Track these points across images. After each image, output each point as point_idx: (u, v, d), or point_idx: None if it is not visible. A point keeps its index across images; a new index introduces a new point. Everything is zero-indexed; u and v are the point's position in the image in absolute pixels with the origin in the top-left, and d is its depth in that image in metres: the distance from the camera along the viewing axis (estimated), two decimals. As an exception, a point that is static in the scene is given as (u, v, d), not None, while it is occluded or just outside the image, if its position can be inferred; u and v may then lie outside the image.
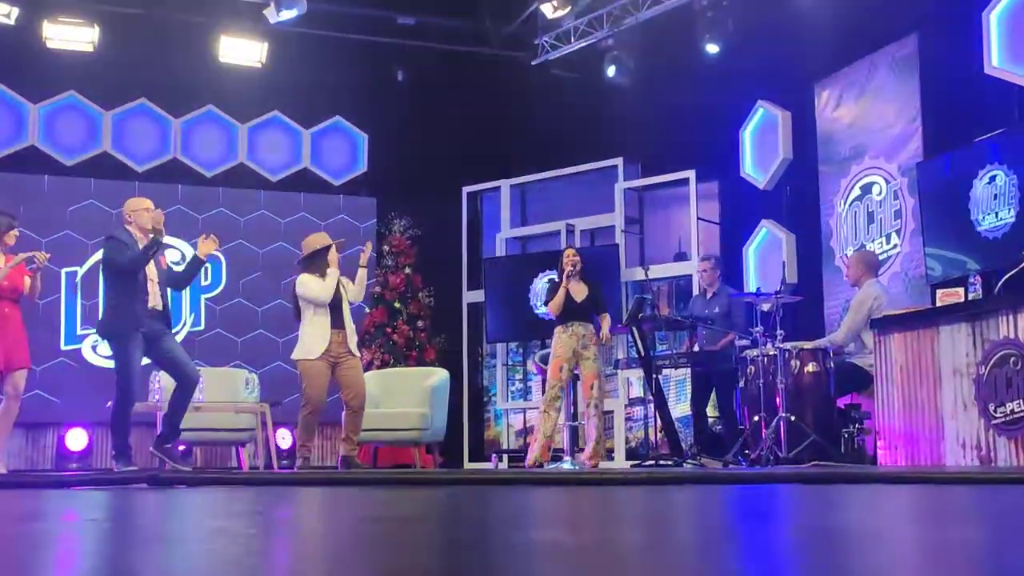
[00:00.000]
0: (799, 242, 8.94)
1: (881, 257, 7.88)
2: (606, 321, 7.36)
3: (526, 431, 10.16)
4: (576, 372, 7.40)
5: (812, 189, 8.85)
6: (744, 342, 7.30)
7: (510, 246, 10.57)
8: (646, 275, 7.93)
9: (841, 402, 6.90)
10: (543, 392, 7.61)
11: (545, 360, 7.76)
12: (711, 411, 8.10)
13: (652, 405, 7.62)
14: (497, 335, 10.23)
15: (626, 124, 9.81)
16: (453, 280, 10.65)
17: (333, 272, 6.88)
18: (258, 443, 8.10)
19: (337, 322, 6.87)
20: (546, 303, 7.59)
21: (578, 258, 7.48)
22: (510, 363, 10.46)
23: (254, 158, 10.63)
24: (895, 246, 7.95)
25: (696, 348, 7.77)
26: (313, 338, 6.83)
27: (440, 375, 8.95)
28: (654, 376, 7.39)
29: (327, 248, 6.95)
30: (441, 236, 10.68)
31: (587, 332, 7.34)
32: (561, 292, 7.46)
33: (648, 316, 7.57)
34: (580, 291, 7.44)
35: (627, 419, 9.63)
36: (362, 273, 7.04)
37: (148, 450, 6.61)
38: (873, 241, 8.15)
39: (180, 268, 6.92)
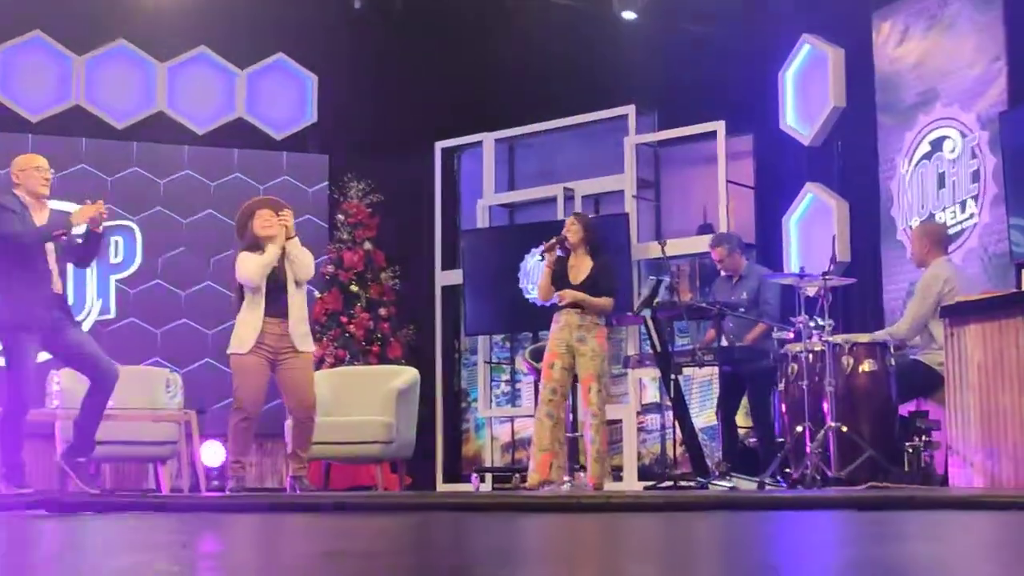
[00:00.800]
0: (853, 211, 8.96)
1: (953, 230, 7.92)
2: (595, 299, 7.35)
3: (514, 445, 10.22)
4: (575, 372, 7.45)
5: (869, 145, 8.87)
6: (785, 334, 7.34)
7: (495, 215, 10.58)
8: (663, 252, 7.96)
9: (904, 409, 6.94)
10: (536, 396, 7.69)
11: (538, 357, 7.83)
12: (742, 420, 8.15)
13: (670, 412, 7.65)
14: (478, 326, 10.27)
15: (639, 64, 9.82)
16: (424, 258, 10.68)
17: (272, 248, 6.88)
18: (182, 460, 8.11)
19: (276, 308, 6.87)
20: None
21: (579, 226, 7.49)
22: (494, 361, 10.50)
23: (176, 106, 10.61)
24: (971, 216, 7.98)
25: (723, 342, 7.82)
26: (245, 327, 6.86)
27: (407, 376, 8.96)
28: (673, 377, 7.42)
29: (250, 215, 6.96)
30: (409, 203, 10.70)
31: (585, 322, 7.35)
32: (545, 272, 7.48)
33: (666, 302, 7.58)
34: (582, 268, 7.45)
35: (640, 429, 9.64)
36: (292, 246, 6.95)
37: (50, 465, 6.62)
38: (944, 210, 8.18)
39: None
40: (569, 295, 7.31)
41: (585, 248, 7.47)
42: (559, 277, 7.44)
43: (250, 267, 6.84)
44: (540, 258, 7.52)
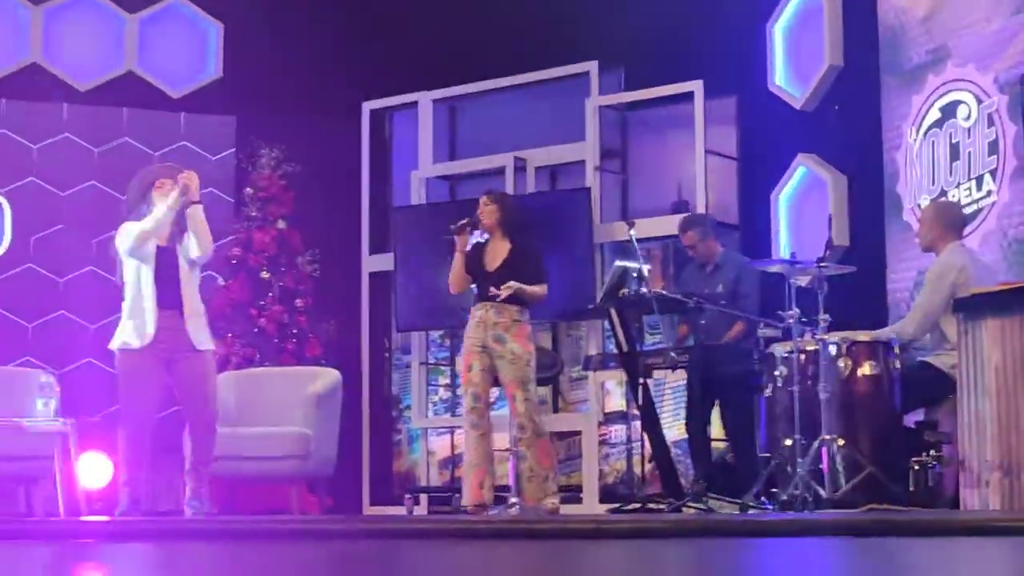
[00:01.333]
0: (852, 187, 8.97)
1: (968, 210, 7.91)
2: (532, 287, 7.39)
3: (454, 461, 10.24)
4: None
5: (871, 111, 8.90)
6: (770, 331, 7.38)
7: (433, 190, 10.59)
8: (631, 234, 7.94)
9: (911, 419, 6.99)
10: None
11: None
12: (717, 431, 8.23)
13: (638, 423, 7.73)
14: (413, 320, 10.26)
15: (603, 13, 9.81)
16: (348, 239, 10.68)
17: (163, 205, 6.84)
18: (57, 478, 8.02)
19: (169, 297, 6.84)
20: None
21: (494, 207, 7.56)
22: (431, 362, 10.50)
23: (53, 56, 10.50)
24: (989, 194, 7.96)
25: (691, 341, 7.89)
26: (133, 319, 6.83)
27: (328, 378, 8.94)
28: (641, 381, 7.45)
29: (148, 186, 6.93)
30: (331, 175, 10.68)
31: (503, 319, 7.40)
32: (457, 259, 7.54)
33: (633, 293, 7.59)
34: (498, 254, 7.51)
35: (602, 443, 9.64)
36: (195, 212, 6.90)
37: None
38: (958, 186, 8.17)
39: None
40: (511, 283, 7.33)
41: (502, 231, 7.55)
42: (475, 265, 7.52)
43: (133, 230, 6.79)
44: (449, 236, 7.58)
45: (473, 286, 7.59)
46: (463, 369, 7.49)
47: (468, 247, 7.52)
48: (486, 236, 7.60)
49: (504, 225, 7.53)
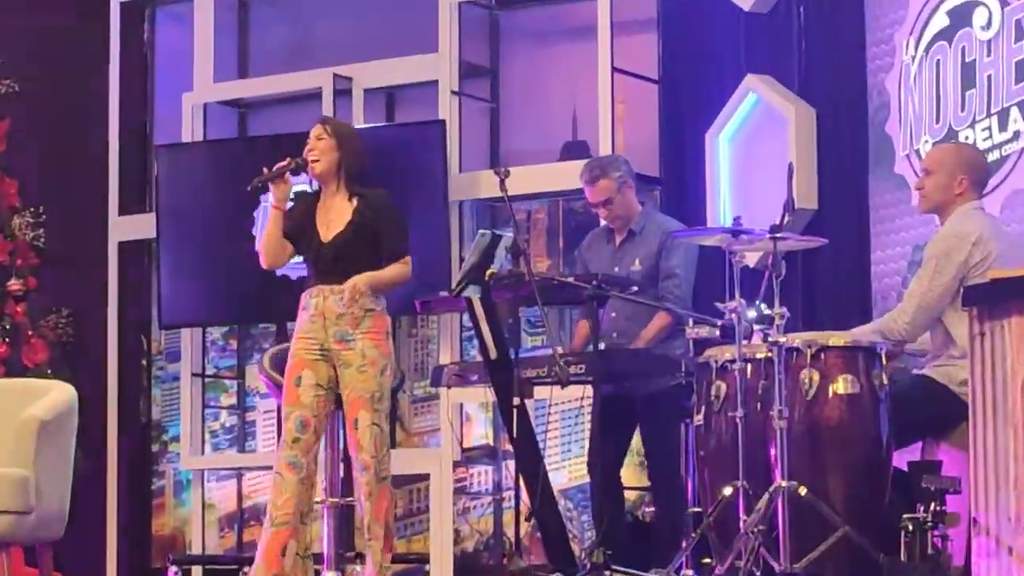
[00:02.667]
0: (822, 124, 9.03)
1: (992, 157, 7.91)
2: (372, 277, 7.34)
3: (243, 516, 10.25)
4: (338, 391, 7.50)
5: (849, 15, 8.99)
6: (703, 331, 7.40)
7: (215, 121, 10.66)
8: (503, 189, 7.82)
9: (902, 458, 6.97)
10: (279, 434, 7.64)
11: (281, 368, 7.77)
12: (633, 476, 8.27)
13: (512, 463, 7.75)
14: (183, 311, 10.32)
15: None
16: (89, 193, 10.72)
17: None
18: None
19: None
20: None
21: (331, 141, 7.43)
22: (210, 373, 10.57)
23: None
24: (1016, 136, 7.99)
25: (599, 344, 7.82)
26: None
27: (58, 398, 8.80)
28: (517, 402, 7.43)
29: None
30: (64, 96, 10.67)
31: (352, 309, 7.33)
32: (273, 218, 7.48)
33: (507, 275, 7.59)
34: (338, 215, 7.47)
35: (460, 491, 9.78)
36: None
37: None
38: (973, 125, 8.20)
39: None
40: (360, 283, 7.22)
41: (341, 180, 7.48)
42: (299, 228, 7.46)
43: None
44: (259, 186, 7.52)
45: (295, 258, 7.56)
46: (286, 383, 7.41)
47: (289, 201, 7.45)
48: (316, 186, 7.51)
49: (345, 171, 7.43)
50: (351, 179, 7.45)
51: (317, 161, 7.36)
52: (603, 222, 8.38)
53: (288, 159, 7.38)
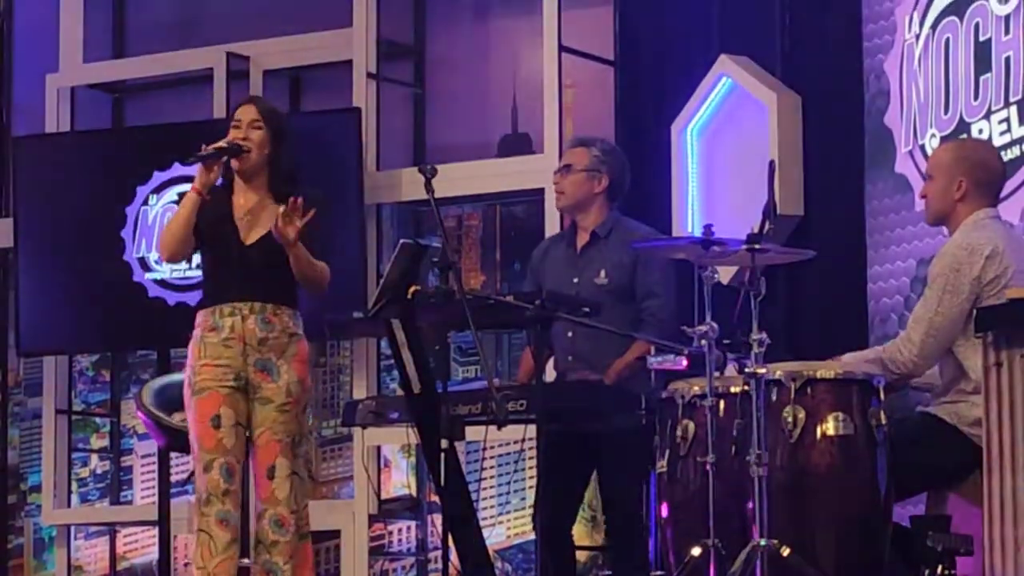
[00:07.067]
0: (809, 115, 9.12)
1: (1007, 156, 7.82)
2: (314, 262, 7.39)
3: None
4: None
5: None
6: (667, 360, 7.26)
7: (84, 108, 10.95)
8: (430, 190, 7.57)
9: (904, 512, 7.06)
10: (192, 480, 7.71)
11: (170, 403, 8.26)
12: (584, 533, 8.49)
13: (439, 517, 8.05)
14: (47, 336, 10.44)
15: None
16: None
17: None
18: None
19: None
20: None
21: (268, 133, 7.42)
22: (78, 409, 10.79)
23: None
24: (1035, 130, 7.96)
25: (551, 375, 8.05)
26: None
27: None
28: (446, 445, 7.23)
29: None
30: None
31: (273, 331, 7.38)
32: (188, 201, 7.34)
33: (434, 293, 7.37)
34: (267, 216, 7.38)
35: (377, 552, 9.96)
36: None
37: None
38: (988, 116, 8.13)
39: None
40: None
41: (266, 177, 7.46)
42: (215, 227, 7.34)
43: None
44: (189, 160, 7.41)
45: (195, 256, 7.65)
46: (199, 424, 7.27)
47: (206, 190, 7.38)
48: (223, 181, 7.49)
49: (273, 169, 7.44)
50: (277, 178, 7.49)
51: (249, 152, 7.39)
52: (547, 229, 8.29)
53: (226, 141, 7.36)
